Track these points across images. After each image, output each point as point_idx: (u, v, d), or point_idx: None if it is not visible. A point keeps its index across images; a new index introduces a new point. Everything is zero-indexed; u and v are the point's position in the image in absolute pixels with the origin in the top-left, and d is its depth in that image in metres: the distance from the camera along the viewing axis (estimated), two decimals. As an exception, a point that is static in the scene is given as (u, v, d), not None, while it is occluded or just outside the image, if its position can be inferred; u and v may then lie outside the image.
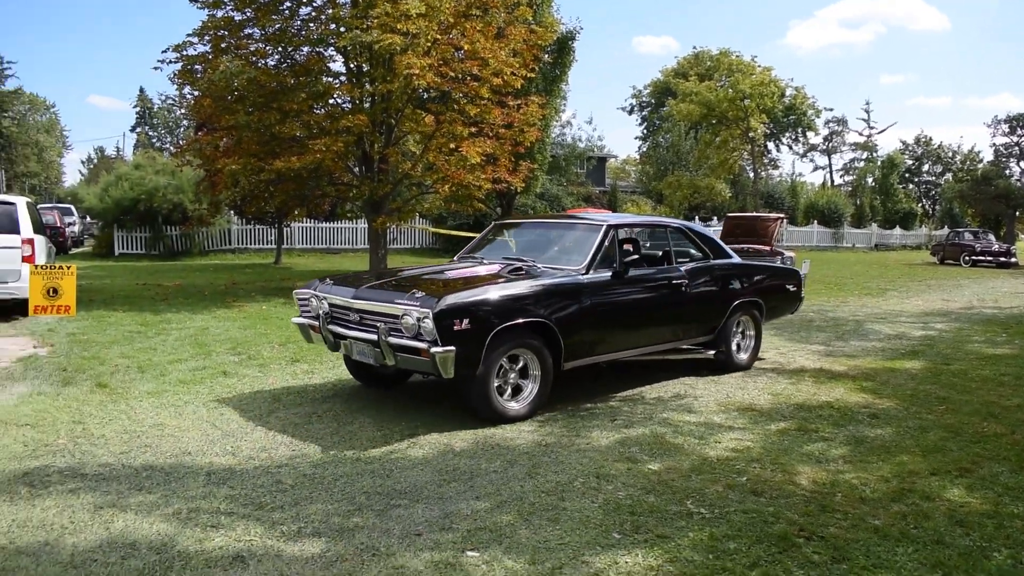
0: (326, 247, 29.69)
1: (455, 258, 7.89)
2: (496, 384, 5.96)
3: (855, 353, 9.49)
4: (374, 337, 5.75)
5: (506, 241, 7.91)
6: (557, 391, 6.88)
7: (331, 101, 16.14)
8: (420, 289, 5.92)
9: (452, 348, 5.49)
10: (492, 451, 5.29)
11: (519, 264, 6.78)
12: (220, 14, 15.92)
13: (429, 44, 14.31)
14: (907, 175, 65.05)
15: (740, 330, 8.28)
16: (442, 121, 15.32)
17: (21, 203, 11.64)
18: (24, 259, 11.04)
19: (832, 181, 71.24)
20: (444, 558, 3.64)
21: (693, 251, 8.01)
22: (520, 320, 5.96)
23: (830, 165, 74.58)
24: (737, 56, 47.24)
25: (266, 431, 5.68)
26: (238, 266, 23.21)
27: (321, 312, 6.42)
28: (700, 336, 7.87)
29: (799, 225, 46.67)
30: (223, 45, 15.68)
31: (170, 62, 16.15)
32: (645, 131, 62.12)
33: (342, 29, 14.79)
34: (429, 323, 5.47)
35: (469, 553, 3.70)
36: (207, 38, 15.81)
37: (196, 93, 16.63)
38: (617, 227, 7.13)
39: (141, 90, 79.89)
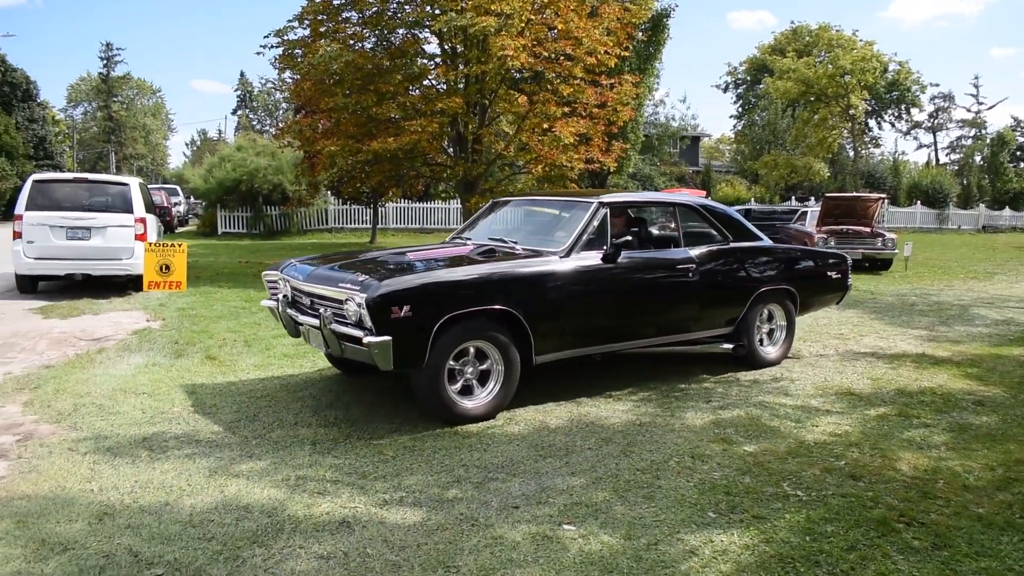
0: (420, 227, 30.16)
1: (448, 238, 7.39)
2: (452, 379, 5.41)
3: (959, 338, 9.18)
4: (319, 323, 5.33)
5: (500, 219, 7.31)
6: (650, 371, 6.90)
7: (426, 83, 16.38)
8: (368, 272, 5.45)
9: (388, 338, 4.98)
10: (586, 429, 5.35)
11: (494, 245, 6.35)
12: (318, -1, 16.31)
13: (523, 24, 14.36)
14: (1019, 153, 62.01)
15: (767, 322, 7.43)
16: (535, 101, 15.38)
17: (134, 184, 12.20)
18: (137, 237, 11.60)
19: (937, 160, 68.57)
20: (541, 531, 3.72)
21: (710, 233, 7.16)
22: (475, 308, 5.37)
23: (935, 143, 71.80)
24: (837, 30, 45.79)
25: (368, 404, 5.87)
26: (335, 244, 23.77)
27: (282, 295, 6.00)
28: (715, 328, 7.01)
29: (901, 206, 45.04)
30: (322, 29, 16.07)
31: (272, 47, 16.67)
32: (740, 109, 60.84)
33: (437, 11, 14.98)
34: (364, 310, 5.03)
35: (566, 527, 3.78)
36: (307, 23, 16.23)
37: (296, 77, 17.10)
38: (610, 205, 6.39)
39: (242, 74, 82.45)
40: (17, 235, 11.28)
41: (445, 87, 16.10)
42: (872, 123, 56.71)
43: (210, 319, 9.41)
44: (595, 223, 6.22)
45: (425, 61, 16.58)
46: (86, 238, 11.37)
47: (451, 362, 5.37)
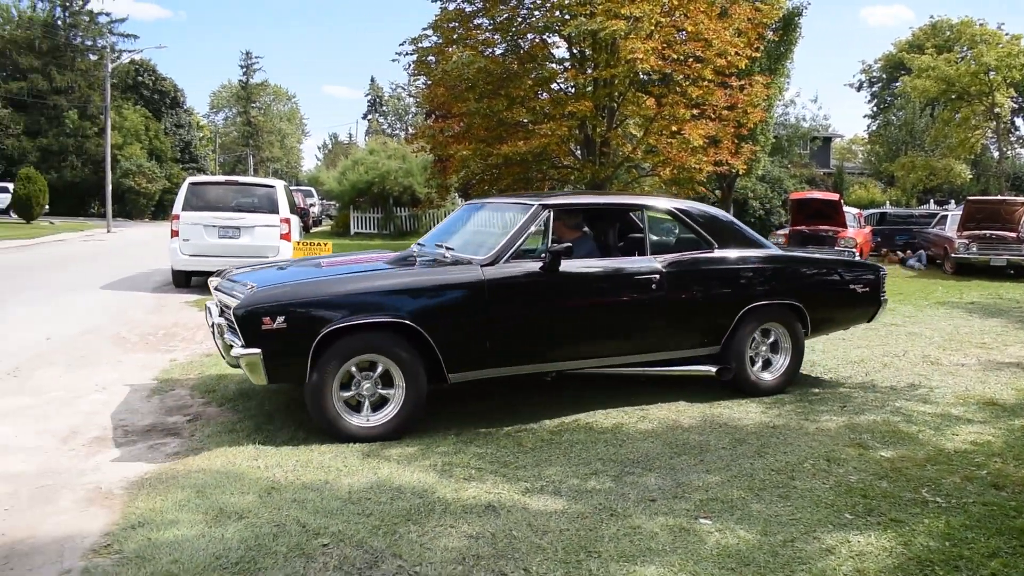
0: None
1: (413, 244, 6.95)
2: (347, 395, 5.05)
3: (1117, 349, 8.72)
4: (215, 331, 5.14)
5: (463, 223, 6.67)
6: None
7: (554, 86, 16.61)
8: (262, 280, 5.30)
9: (258, 351, 4.77)
10: (720, 429, 5.42)
11: (417, 252, 6.16)
12: (452, 7, 16.81)
13: (652, 27, 14.41)
14: None
15: (764, 342, 6.44)
16: (664, 104, 15.38)
17: (279, 186, 12.92)
18: (282, 236, 12.28)
19: (1095, 160, 64.17)
20: (678, 523, 3.84)
21: (690, 239, 6.43)
22: (366, 320, 4.98)
23: (1091, 143, 67.12)
24: (981, 24, 43.50)
25: (505, 398, 6.11)
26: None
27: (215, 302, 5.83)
28: (691, 348, 6.17)
29: (1052, 209, 42.36)
30: (454, 37, 16.54)
31: (406, 54, 17.27)
32: (875, 109, 58.55)
33: (567, 16, 15.18)
34: (234, 320, 4.82)
35: (702, 520, 3.88)
36: (440, 31, 16.73)
37: (429, 82, 17.64)
38: (554, 208, 5.84)
39: (372, 79, 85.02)
40: (175, 233, 12.13)
41: (573, 90, 16.30)
42: (1019, 122, 53.64)
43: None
44: (532, 228, 5.64)
45: (554, 65, 16.84)
46: (236, 237, 12.10)
47: (342, 377, 5.00)
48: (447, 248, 5.79)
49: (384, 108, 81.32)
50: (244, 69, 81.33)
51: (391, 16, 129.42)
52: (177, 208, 12.30)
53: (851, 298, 6.86)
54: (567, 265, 5.56)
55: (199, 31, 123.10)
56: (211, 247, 12.05)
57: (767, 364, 6.47)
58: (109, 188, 34.04)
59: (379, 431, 5.06)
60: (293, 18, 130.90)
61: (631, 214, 6.81)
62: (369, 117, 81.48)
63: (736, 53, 15.11)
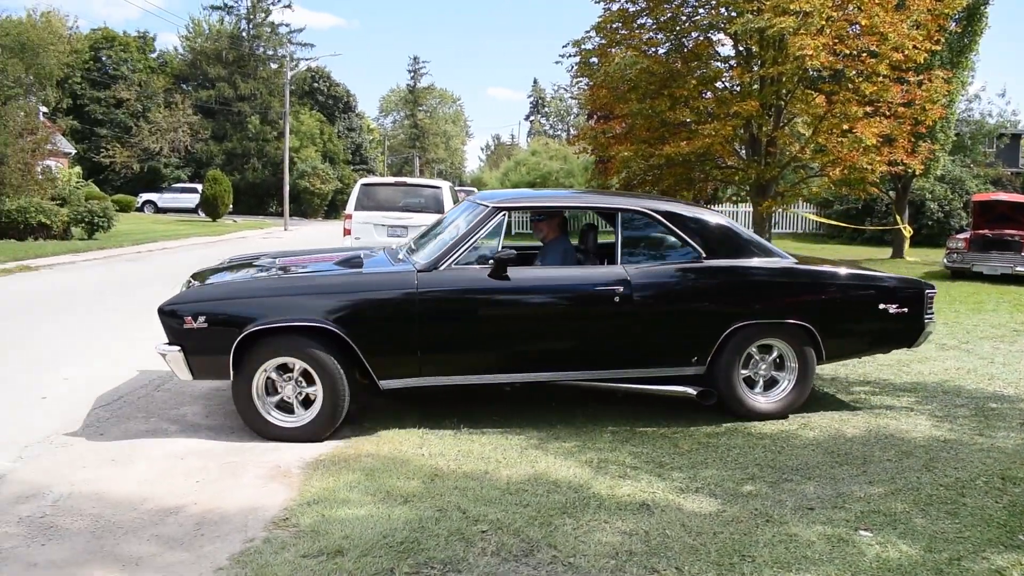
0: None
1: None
2: (274, 398, 5.11)
3: None
4: None
5: (452, 221, 6.12)
6: (954, 386, 6.55)
7: (719, 85, 16.33)
8: (204, 278, 5.41)
9: (177, 348, 4.94)
10: (885, 440, 5.24)
11: (362, 255, 6.07)
12: (615, 7, 16.81)
13: (823, 22, 13.90)
14: None
15: (765, 363, 5.74)
16: (834, 101, 14.80)
17: (445, 187, 13.35)
18: (438, 235, 12.69)
19: None
20: (837, 533, 3.77)
21: (675, 246, 5.70)
22: (286, 324, 4.99)
23: None
24: None
25: (665, 399, 6.12)
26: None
27: None
28: (674, 366, 5.59)
29: None
30: (616, 38, 16.55)
31: (569, 56, 17.40)
32: (1074, 103, 53.95)
33: (733, 13, 14.89)
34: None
35: (862, 532, 3.79)
36: (603, 32, 16.78)
37: (592, 84, 17.72)
38: (509, 210, 5.58)
39: (535, 81, 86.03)
40: (347, 232, 12.75)
41: (739, 89, 15.97)
42: None
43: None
44: (481, 232, 5.39)
45: (719, 64, 16.55)
46: (403, 235, 12.59)
47: (269, 377, 5.06)
48: (409, 250, 5.77)
49: (546, 109, 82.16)
50: (412, 74, 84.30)
51: (554, 18, 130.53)
52: (350, 208, 12.93)
53: (880, 320, 5.88)
54: (519, 272, 5.36)
55: (370, 38, 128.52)
56: (381, 245, 12.58)
57: (769, 386, 5.78)
58: (287, 188, 36.12)
59: (300, 433, 5.07)
60: (459, 23, 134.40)
61: (606, 216, 6.19)
62: (531, 118, 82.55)
63: (914, 47, 14.34)
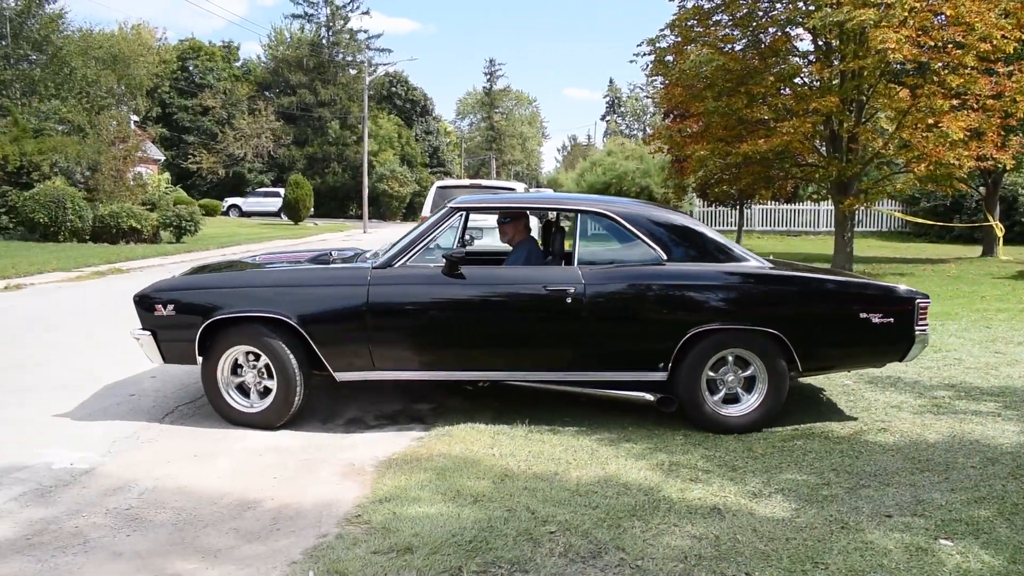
0: (786, 229, 29.41)
1: None
2: (237, 381, 5.42)
3: None
4: None
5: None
6: None
7: (797, 81, 16.00)
8: (191, 273, 6.02)
9: (147, 333, 5.39)
10: (969, 447, 5.06)
11: (332, 254, 6.31)
12: (690, 4, 16.64)
13: (905, 13, 13.49)
14: None
15: (729, 372, 5.44)
16: (919, 95, 14.35)
17: (520, 189, 13.43)
18: (521, 237, 12.74)
19: None
20: (915, 542, 3.66)
21: (638, 248, 5.56)
22: (245, 314, 5.27)
23: None
24: None
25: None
26: (698, 247, 23.97)
27: None
28: (633, 371, 5.44)
29: None
30: (692, 35, 16.36)
31: (644, 55, 17.29)
32: None
33: (811, 8, 14.59)
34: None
35: (942, 541, 3.67)
36: (677, 29, 16.62)
37: (667, 82, 17.57)
38: (467, 210, 5.71)
39: (611, 81, 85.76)
40: (423, 234, 12.91)
41: (818, 85, 15.62)
42: None
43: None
44: (437, 231, 5.53)
45: (797, 59, 16.23)
46: (479, 237, 12.69)
47: (237, 362, 5.39)
48: (384, 251, 5.78)
49: (622, 109, 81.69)
50: (488, 76, 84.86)
51: (631, 17, 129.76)
52: (426, 210, 13.08)
53: (862, 330, 5.43)
54: (473, 271, 5.40)
55: (447, 42, 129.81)
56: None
57: (737, 398, 5.49)
58: (366, 192, 36.76)
59: (259, 419, 5.36)
60: (535, 24, 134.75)
61: (566, 217, 5.97)
62: (607, 118, 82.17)
63: (1002, 36, 13.79)
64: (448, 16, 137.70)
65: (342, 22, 53.63)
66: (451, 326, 5.43)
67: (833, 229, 17.64)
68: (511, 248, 6.29)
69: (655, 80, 18.83)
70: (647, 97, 66.96)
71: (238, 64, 56.41)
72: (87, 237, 23.60)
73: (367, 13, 56.31)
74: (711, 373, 5.41)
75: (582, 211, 5.73)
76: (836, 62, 15.10)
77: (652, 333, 5.41)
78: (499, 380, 5.59)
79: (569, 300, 5.27)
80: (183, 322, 5.36)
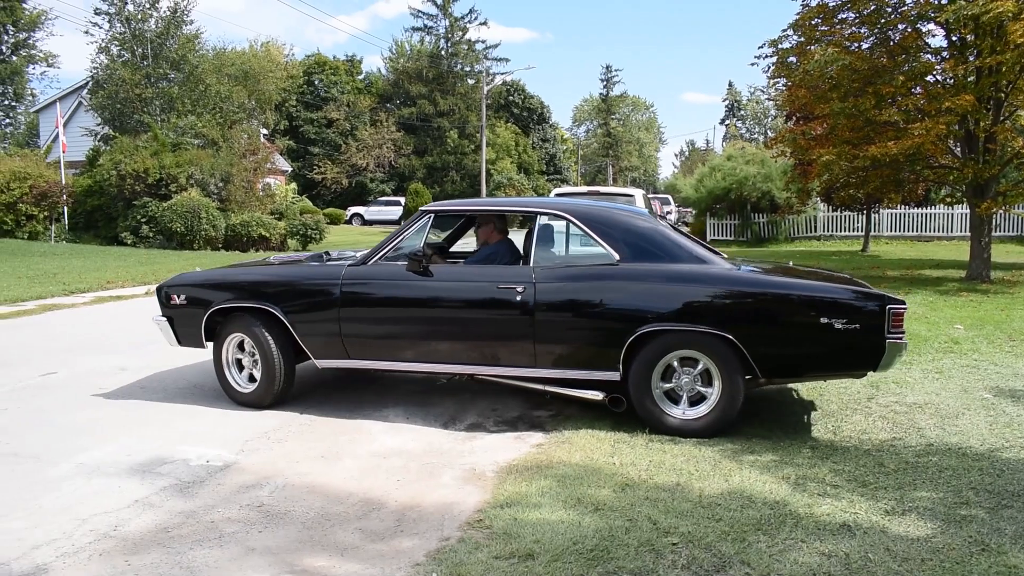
0: (916, 234, 28.11)
1: None
2: (237, 364, 6.22)
3: None
4: None
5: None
6: None
7: (929, 79, 15.30)
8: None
9: (164, 318, 6.35)
10: None
11: (337, 253, 6.88)
12: (814, 3, 16.13)
13: (1049, 5, 12.71)
14: None
15: (684, 375, 5.34)
16: (1064, 91, 13.51)
17: (638, 195, 13.30)
18: (639, 244, 12.61)
19: None
20: (1067, 566, 3.44)
21: (594, 248, 5.66)
22: (235, 304, 6.04)
23: None
24: None
25: (865, 415, 5.81)
26: (824, 253, 23.27)
27: None
28: (586, 369, 5.45)
29: None
30: (816, 34, 15.87)
31: (765, 56, 16.87)
32: None
33: (943, 1, 13.92)
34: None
35: (1099, 566, 3.44)
36: (800, 30, 16.15)
37: (790, 84, 17.09)
38: (435, 213, 6.05)
39: (730, 84, 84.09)
40: (540, 241, 12.97)
41: (952, 83, 14.88)
42: None
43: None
44: (409, 231, 5.96)
45: (929, 56, 15.50)
46: (594, 245, 12.64)
47: (232, 350, 6.16)
48: (360, 249, 6.35)
49: (742, 113, 79.96)
50: (604, 83, 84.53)
51: (749, 19, 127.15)
52: (543, 218, 13.15)
53: (824, 336, 5.10)
54: (438, 269, 5.75)
55: (563, 50, 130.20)
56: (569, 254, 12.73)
57: (695, 401, 5.35)
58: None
59: (251, 399, 6.09)
60: (652, 29, 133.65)
61: (525, 219, 6.18)
62: (727, 122, 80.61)
63: None
64: (564, 24, 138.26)
65: (460, 33, 54.50)
66: (412, 320, 5.77)
67: (968, 234, 16.74)
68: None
69: (777, 82, 18.30)
70: (768, 99, 65.39)
71: (360, 77, 58.06)
72: (220, 245, 24.77)
73: (485, 23, 56.93)
74: (663, 383, 5.37)
75: (540, 212, 5.94)
76: (971, 58, 14.35)
77: (601, 332, 5.41)
78: (462, 375, 5.95)
79: (518, 298, 5.43)
80: (191, 311, 6.23)
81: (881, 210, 26.78)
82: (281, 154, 38.50)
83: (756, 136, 71.01)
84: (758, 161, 29.80)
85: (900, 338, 5.09)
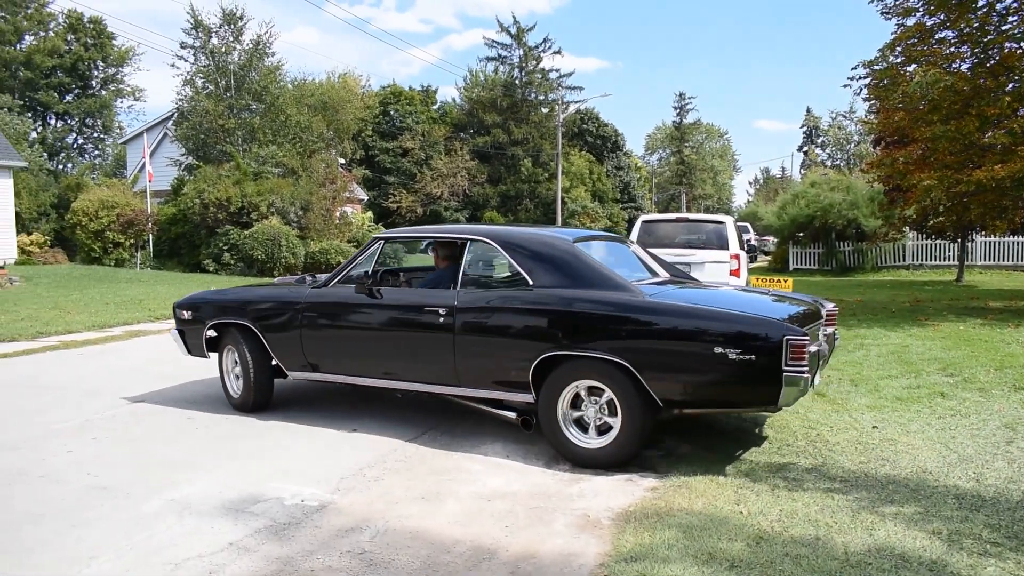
0: (1013, 263, 26.75)
1: None
2: (232, 375, 6.94)
3: None
4: None
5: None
6: None
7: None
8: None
9: (176, 331, 7.35)
10: None
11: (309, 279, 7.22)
12: (911, 22, 15.51)
13: None
14: None
15: (591, 404, 5.25)
16: None
17: (729, 222, 12.82)
18: (731, 272, 12.12)
19: None
20: None
21: (511, 272, 5.83)
22: (225, 321, 6.88)
23: None
24: None
25: (1007, 461, 5.26)
26: (915, 283, 22.27)
27: None
28: (504, 390, 5.56)
29: None
30: (913, 54, 15.23)
31: (858, 79, 16.27)
32: None
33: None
34: None
35: None
36: (898, 50, 15.53)
37: (883, 107, 16.43)
38: (385, 239, 6.71)
39: (808, 110, 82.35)
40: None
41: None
42: None
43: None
44: (362, 256, 6.50)
45: (1034, 76, 14.71)
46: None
47: (228, 360, 6.94)
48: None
49: (822, 139, 78.16)
50: (677, 110, 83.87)
51: (827, 44, 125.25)
52: (630, 244, 12.79)
53: (717, 367, 4.80)
54: (385, 291, 6.12)
55: (634, 78, 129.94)
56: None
57: (603, 431, 5.23)
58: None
59: (236, 402, 6.83)
60: (725, 57, 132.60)
61: (454, 244, 6.29)
62: (805, 149, 79.02)
63: None
64: (636, 53, 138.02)
65: (535, 62, 54.53)
66: (358, 339, 6.27)
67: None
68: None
69: (869, 104, 17.64)
70: (862, 122, 63.85)
71: (435, 107, 58.51)
72: (299, 272, 24.94)
73: (559, 52, 56.68)
74: (573, 410, 5.33)
75: (468, 239, 6.01)
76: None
77: (511, 355, 5.47)
78: (405, 391, 6.14)
79: (441, 320, 5.67)
80: (195, 326, 7.12)
81: (976, 238, 25.59)
82: (357, 183, 38.86)
83: (838, 162, 69.01)
84: (843, 188, 28.91)
85: (800, 372, 4.67)
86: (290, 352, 6.48)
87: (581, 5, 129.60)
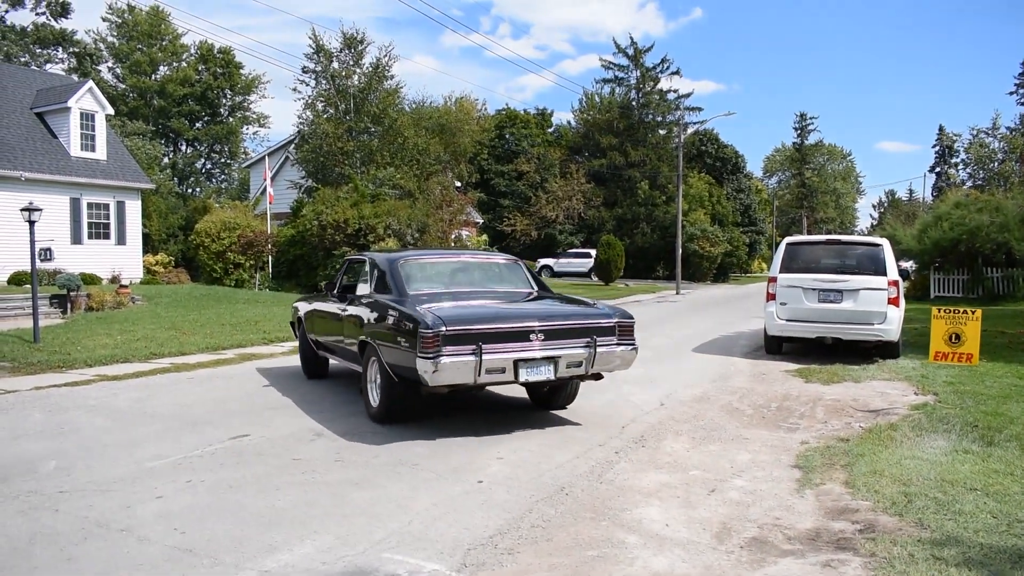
0: None
1: None
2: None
3: None
4: None
5: None
6: None
7: None
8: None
9: (291, 325, 10.49)
10: None
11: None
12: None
13: None
14: None
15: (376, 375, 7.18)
16: None
17: (885, 244, 11.52)
18: (890, 301, 10.81)
19: None
20: None
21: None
22: (297, 317, 9.96)
23: None
24: None
25: None
26: (1084, 314, 20.07)
27: None
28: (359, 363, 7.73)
29: None
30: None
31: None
32: None
33: None
34: None
35: None
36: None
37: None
38: (351, 260, 9.14)
39: (940, 128, 78.03)
40: (771, 297, 11.44)
41: None
42: None
43: (991, 398, 8.06)
44: (339, 274, 9.07)
45: None
46: (837, 301, 10.98)
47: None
48: None
49: (962, 157, 73.60)
50: (798, 131, 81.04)
51: (958, 62, 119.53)
52: (774, 270, 11.61)
53: (398, 347, 6.57)
54: (350, 299, 8.18)
55: (752, 100, 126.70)
56: (810, 312, 11.10)
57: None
58: (679, 252, 35.62)
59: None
60: (846, 77, 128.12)
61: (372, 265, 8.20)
62: (938, 169, 74.90)
63: None
64: (753, 76, 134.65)
65: (652, 83, 53.23)
66: (331, 330, 8.56)
67: None
68: None
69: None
70: (998, 140, 60.06)
71: (551, 130, 57.90)
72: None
73: (677, 73, 55.15)
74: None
75: (373, 260, 8.18)
76: None
77: (356, 340, 7.62)
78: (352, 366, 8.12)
79: (344, 313, 8.06)
80: (297, 319, 9.82)
81: None
82: (473, 206, 38.51)
83: (979, 182, 64.52)
84: (992, 208, 26.66)
85: (435, 359, 6.06)
86: (315, 339, 9.29)
87: (697, 28, 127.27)
